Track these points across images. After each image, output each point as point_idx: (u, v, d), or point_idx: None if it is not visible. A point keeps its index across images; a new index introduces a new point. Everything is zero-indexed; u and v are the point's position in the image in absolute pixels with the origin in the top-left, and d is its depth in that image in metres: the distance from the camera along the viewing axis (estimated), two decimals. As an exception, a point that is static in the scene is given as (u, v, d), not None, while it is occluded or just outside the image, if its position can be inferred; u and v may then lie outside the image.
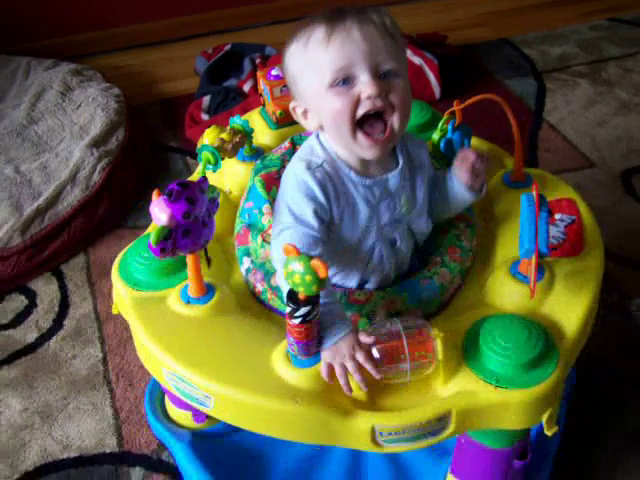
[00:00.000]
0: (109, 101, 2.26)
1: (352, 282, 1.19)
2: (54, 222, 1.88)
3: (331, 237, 1.14)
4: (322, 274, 0.91)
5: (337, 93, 1.06)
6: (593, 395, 1.48)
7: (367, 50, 1.04)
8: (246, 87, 2.53)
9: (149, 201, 1.01)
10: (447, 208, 1.25)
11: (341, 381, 1.01)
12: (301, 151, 1.19)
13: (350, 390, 1.01)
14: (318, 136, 1.16)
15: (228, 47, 2.76)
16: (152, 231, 0.99)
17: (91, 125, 2.17)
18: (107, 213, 1.99)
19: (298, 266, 0.92)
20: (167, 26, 3.08)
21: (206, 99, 2.49)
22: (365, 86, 1.04)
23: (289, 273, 0.93)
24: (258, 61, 2.62)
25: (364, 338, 1.01)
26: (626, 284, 1.75)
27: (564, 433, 1.37)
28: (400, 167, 1.16)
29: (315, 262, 0.91)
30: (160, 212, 0.99)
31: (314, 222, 1.09)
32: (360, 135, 1.08)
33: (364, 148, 1.09)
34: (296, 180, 1.12)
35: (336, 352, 1.01)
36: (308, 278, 0.91)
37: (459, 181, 1.19)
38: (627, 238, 1.90)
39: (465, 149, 1.20)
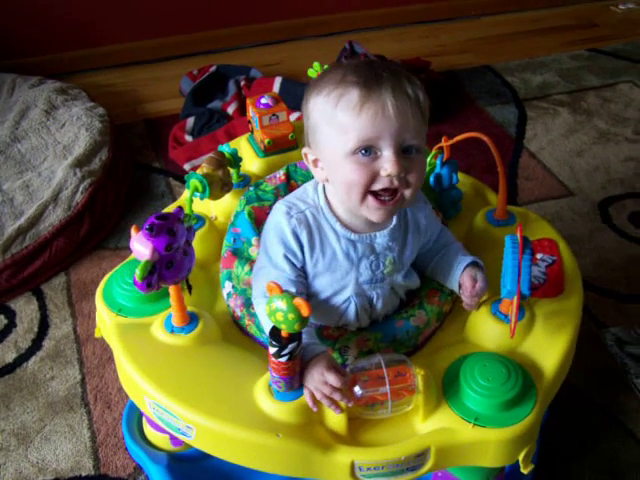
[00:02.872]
0: (93, 121, 2.25)
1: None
2: (35, 242, 1.86)
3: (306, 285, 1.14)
4: (305, 312, 0.91)
5: (357, 163, 1.02)
6: (567, 424, 1.49)
7: (397, 127, 1.01)
8: (230, 109, 2.53)
9: (131, 222, 1.01)
10: (439, 279, 1.23)
11: (325, 404, 1.01)
12: (295, 192, 1.19)
13: (339, 409, 1.01)
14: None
15: (213, 68, 2.76)
16: (137, 265, 0.98)
17: (75, 145, 2.15)
18: (88, 234, 1.97)
19: (281, 304, 0.92)
20: (153, 46, 3.07)
21: (190, 120, 2.48)
22: (387, 163, 1.01)
23: (272, 311, 0.93)
24: (243, 83, 2.64)
25: (337, 381, 0.99)
26: (600, 313, 1.76)
27: (538, 463, 1.35)
28: (392, 227, 1.14)
29: (298, 300, 0.91)
30: (142, 247, 0.99)
31: (284, 265, 1.11)
32: (370, 198, 1.05)
33: (371, 210, 1.06)
34: (274, 222, 1.12)
35: (310, 378, 1.01)
36: (291, 316, 0.92)
37: (458, 292, 1.18)
38: (603, 267, 1.92)
39: (466, 278, 1.15)
